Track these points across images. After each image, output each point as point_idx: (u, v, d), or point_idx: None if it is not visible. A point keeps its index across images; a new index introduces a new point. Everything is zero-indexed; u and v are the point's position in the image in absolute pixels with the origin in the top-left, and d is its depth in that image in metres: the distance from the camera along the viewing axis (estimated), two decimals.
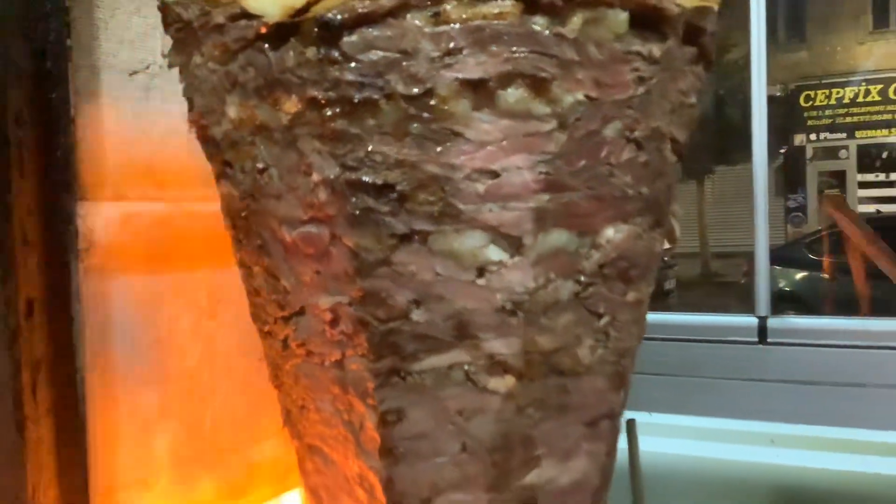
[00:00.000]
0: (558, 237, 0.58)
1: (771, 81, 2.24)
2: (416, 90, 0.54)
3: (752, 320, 1.95)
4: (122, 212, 0.73)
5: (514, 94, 0.54)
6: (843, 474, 1.90)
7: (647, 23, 0.59)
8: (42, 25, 0.62)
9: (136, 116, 0.74)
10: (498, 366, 0.57)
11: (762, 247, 2.08)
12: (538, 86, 0.54)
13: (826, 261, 9.00)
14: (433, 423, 0.58)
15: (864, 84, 16.65)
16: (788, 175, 15.12)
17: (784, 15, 16.64)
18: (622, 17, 0.57)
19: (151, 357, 0.74)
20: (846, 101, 16.84)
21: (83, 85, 0.66)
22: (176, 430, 0.75)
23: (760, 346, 1.91)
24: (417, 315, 0.57)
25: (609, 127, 0.58)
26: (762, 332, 1.93)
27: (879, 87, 16.67)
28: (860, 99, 16.86)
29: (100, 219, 0.67)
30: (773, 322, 1.95)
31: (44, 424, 0.64)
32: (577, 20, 0.54)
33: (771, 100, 2.17)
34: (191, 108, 0.69)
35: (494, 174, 0.55)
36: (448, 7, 0.51)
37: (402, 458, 0.58)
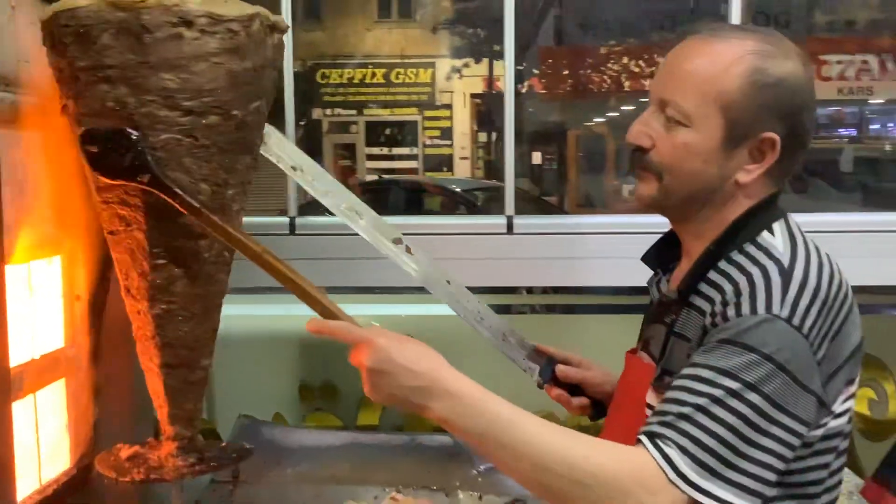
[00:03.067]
0: None
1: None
2: None
3: (285, 220, 2.77)
4: None
5: None
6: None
7: None
8: None
9: None
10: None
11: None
12: None
13: None
14: None
15: (370, 67, 18.39)
16: (308, 146, 16.03)
17: None
18: None
19: None
20: (356, 81, 18.36)
21: None
22: None
23: (291, 236, 2.74)
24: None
25: None
26: (292, 226, 2.77)
27: (383, 70, 18.48)
28: (367, 80, 18.56)
29: None
30: (299, 220, 2.78)
31: None
32: None
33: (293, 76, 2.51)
34: None
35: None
36: None
37: None
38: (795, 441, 1.13)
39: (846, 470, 2.27)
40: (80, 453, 1.71)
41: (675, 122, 1.24)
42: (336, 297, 3.02)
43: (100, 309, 1.71)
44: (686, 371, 1.15)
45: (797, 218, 1.31)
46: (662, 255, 1.42)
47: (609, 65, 10.86)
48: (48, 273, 1.61)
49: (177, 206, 1.45)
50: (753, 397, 1.09)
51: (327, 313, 1.32)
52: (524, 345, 1.64)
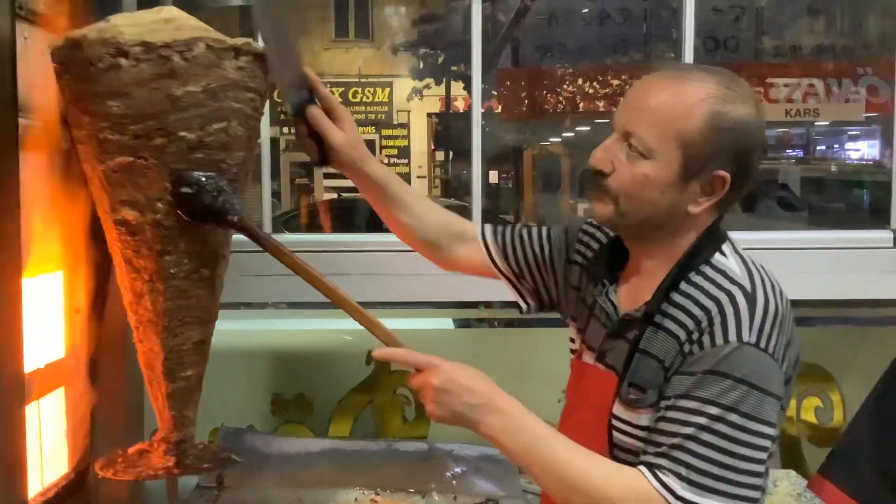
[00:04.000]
0: None
1: None
2: None
3: None
4: None
5: None
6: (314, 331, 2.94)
7: None
8: None
9: None
10: None
11: (267, 189, 3.00)
12: None
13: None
14: None
15: (328, 86, 18.32)
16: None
17: None
18: None
19: None
20: None
21: None
22: None
23: (265, 253, 2.84)
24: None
25: None
26: None
27: (341, 89, 18.50)
28: None
29: None
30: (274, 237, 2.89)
31: None
32: None
33: None
34: None
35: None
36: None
37: None
38: (771, 444, 1.28)
39: (794, 473, 2.43)
40: (76, 459, 1.79)
41: (637, 152, 1.36)
42: (317, 312, 3.14)
43: (97, 321, 1.80)
44: (672, 402, 1.30)
45: (746, 236, 1.46)
46: (609, 266, 1.53)
47: (564, 86, 11.07)
48: (52, 286, 1.70)
49: (264, 247, 1.56)
50: (734, 417, 1.24)
51: (391, 341, 1.45)
52: (298, 68, 1.64)
